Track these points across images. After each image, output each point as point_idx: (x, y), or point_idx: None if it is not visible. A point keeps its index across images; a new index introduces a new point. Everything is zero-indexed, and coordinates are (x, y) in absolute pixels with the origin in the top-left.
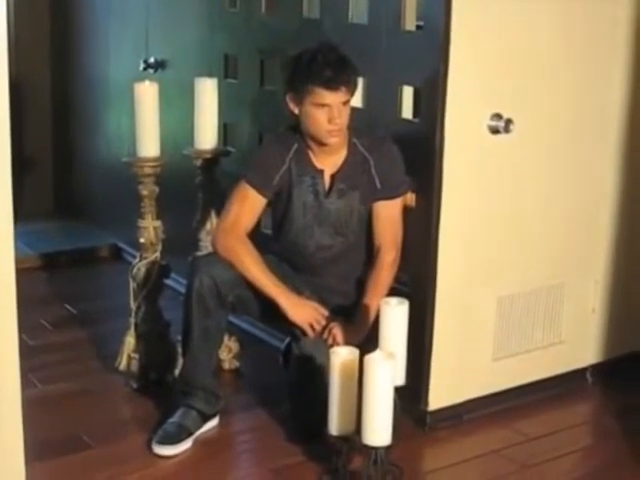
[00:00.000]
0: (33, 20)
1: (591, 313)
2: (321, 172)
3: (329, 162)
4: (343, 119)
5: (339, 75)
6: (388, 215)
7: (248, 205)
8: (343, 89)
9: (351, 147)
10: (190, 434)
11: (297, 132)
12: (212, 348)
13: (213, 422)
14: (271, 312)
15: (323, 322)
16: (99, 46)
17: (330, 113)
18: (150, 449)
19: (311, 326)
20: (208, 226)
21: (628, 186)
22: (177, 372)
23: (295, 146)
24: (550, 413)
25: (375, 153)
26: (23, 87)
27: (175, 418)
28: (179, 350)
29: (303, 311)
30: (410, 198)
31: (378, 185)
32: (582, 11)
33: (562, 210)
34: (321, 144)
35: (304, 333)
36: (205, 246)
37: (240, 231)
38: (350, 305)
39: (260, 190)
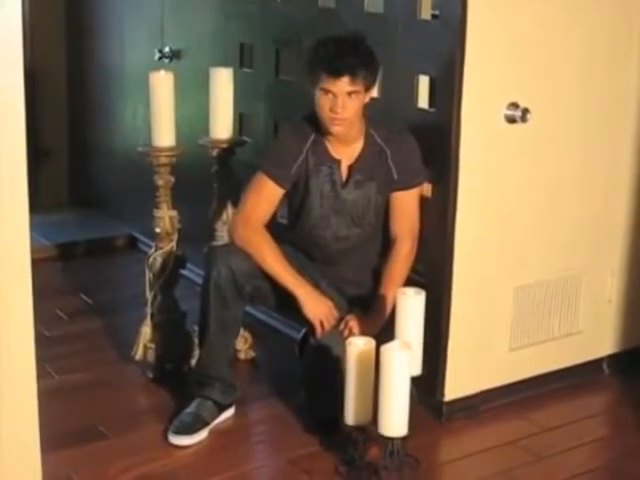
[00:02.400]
0: (48, 10)
1: (608, 304)
2: (338, 162)
3: (346, 152)
4: (348, 110)
5: (343, 63)
6: (405, 205)
7: (265, 196)
8: (346, 78)
9: (368, 138)
10: (206, 424)
11: (314, 121)
12: (229, 339)
13: (229, 412)
14: (288, 303)
15: (332, 323)
16: (114, 36)
17: (333, 101)
18: (166, 439)
19: (320, 324)
20: (224, 216)
21: None
22: (193, 362)
23: (312, 136)
24: (566, 404)
25: (392, 144)
26: (38, 77)
27: (191, 408)
28: (195, 340)
29: (317, 307)
30: (426, 188)
31: (395, 176)
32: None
33: (578, 200)
34: (328, 132)
35: (312, 330)
36: (221, 236)
37: (257, 222)
38: (366, 295)
39: (277, 181)
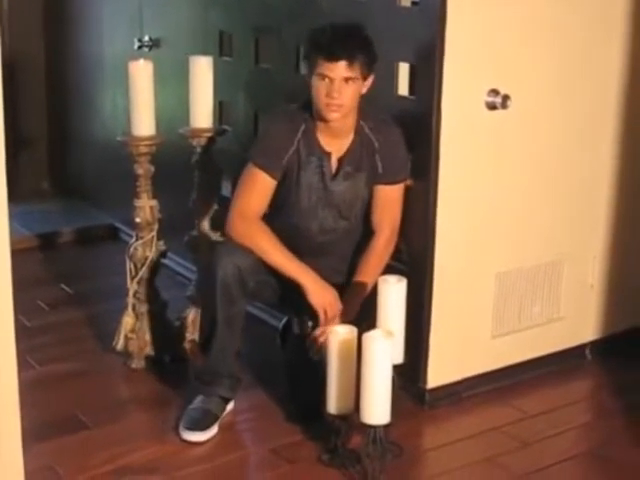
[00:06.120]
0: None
1: (590, 289)
2: (328, 154)
3: (336, 145)
4: (343, 96)
5: (341, 47)
6: (387, 199)
7: (258, 188)
8: (343, 62)
9: (358, 129)
10: (216, 418)
11: (306, 111)
12: (236, 335)
13: (231, 404)
14: (289, 296)
15: (336, 312)
16: (93, 25)
17: (329, 86)
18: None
19: (325, 312)
20: (204, 205)
21: (627, 162)
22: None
23: (303, 127)
24: (549, 390)
25: (380, 136)
26: (17, 66)
27: (198, 403)
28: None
29: (323, 295)
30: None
31: (380, 169)
32: None
33: (560, 186)
34: (324, 120)
35: (314, 320)
36: (200, 225)
37: (253, 215)
38: (347, 283)
39: (269, 172)
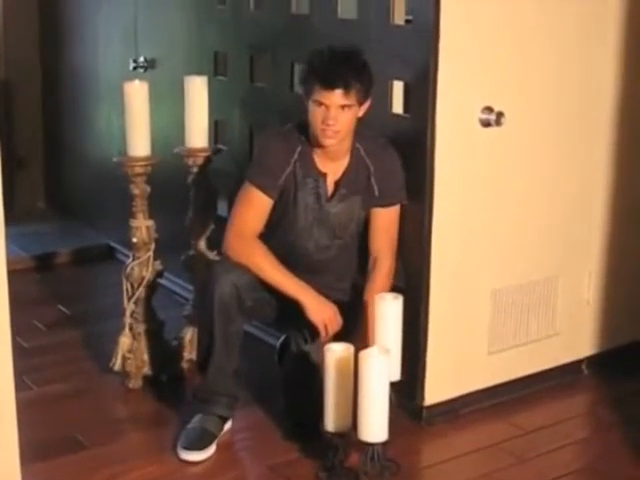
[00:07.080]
0: (22, 19)
1: (586, 305)
2: (324, 176)
3: (332, 167)
4: (340, 124)
5: (337, 76)
6: (384, 223)
7: (255, 207)
8: (340, 91)
9: (354, 151)
10: (214, 437)
11: (302, 132)
12: (234, 354)
13: (229, 423)
14: (287, 313)
15: (336, 328)
16: (89, 46)
17: (325, 113)
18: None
19: (325, 328)
20: (200, 225)
21: (622, 177)
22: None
23: (299, 148)
24: (546, 406)
25: (376, 160)
26: (13, 87)
27: (197, 423)
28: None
29: (322, 311)
30: None
31: (376, 193)
32: (571, 2)
33: (555, 202)
34: (320, 145)
35: (314, 337)
36: (197, 244)
37: (250, 234)
38: (347, 301)
39: (265, 191)
